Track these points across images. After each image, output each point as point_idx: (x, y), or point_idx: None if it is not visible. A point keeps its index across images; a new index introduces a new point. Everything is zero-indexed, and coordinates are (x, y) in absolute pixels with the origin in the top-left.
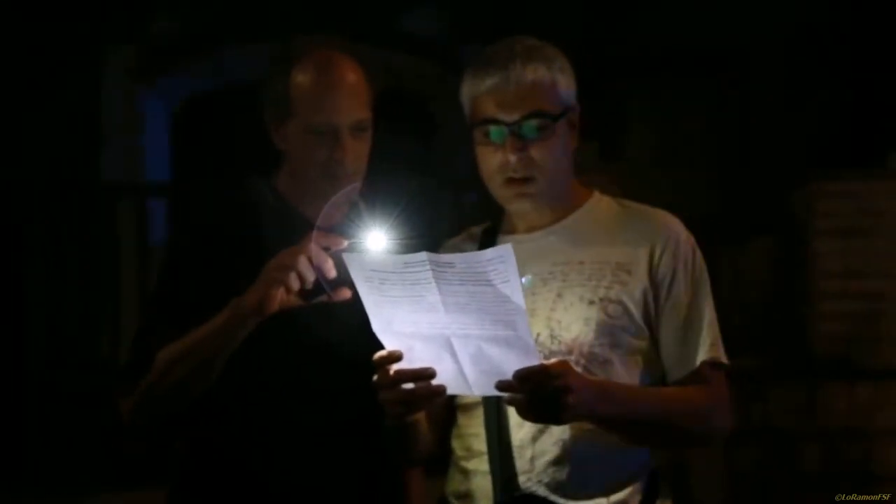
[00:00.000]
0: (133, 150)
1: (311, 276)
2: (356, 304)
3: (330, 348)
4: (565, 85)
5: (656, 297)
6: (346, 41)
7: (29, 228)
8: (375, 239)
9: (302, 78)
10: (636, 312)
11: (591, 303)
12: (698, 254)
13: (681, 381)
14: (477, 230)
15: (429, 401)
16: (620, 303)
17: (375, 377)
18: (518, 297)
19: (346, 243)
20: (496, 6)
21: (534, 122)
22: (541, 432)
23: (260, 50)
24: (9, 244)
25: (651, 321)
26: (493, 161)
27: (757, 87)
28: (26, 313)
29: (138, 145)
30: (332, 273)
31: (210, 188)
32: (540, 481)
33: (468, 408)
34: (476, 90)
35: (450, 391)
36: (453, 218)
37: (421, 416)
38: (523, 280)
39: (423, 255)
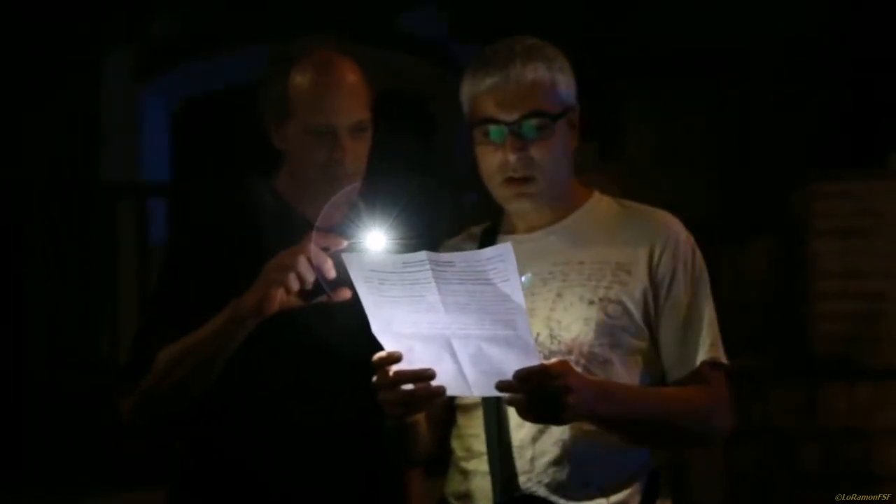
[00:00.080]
0: (133, 150)
1: (310, 277)
2: (356, 304)
3: (330, 349)
4: (565, 85)
5: (656, 297)
6: (345, 41)
7: (29, 228)
8: (375, 239)
9: (301, 78)
10: (636, 312)
11: (591, 303)
12: (698, 254)
13: (681, 381)
14: (477, 230)
15: (428, 402)
16: (620, 303)
17: (375, 378)
18: (518, 296)
19: (345, 243)
20: (496, 6)
21: (533, 122)
22: (541, 433)
23: (260, 50)
24: (9, 244)
25: (651, 321)
26: (493, 161)
27: (757, 87)
28: (26, 313)
29: (138, 145)
30: (331, 273)
31: (210, 188)
32: (540, 482)
33: (468, 408)
34: (476, 90)
35: (449, 392)
36: (453, 218)
37: (421, 417)
38: (523, 279)
39: (423, 255)
